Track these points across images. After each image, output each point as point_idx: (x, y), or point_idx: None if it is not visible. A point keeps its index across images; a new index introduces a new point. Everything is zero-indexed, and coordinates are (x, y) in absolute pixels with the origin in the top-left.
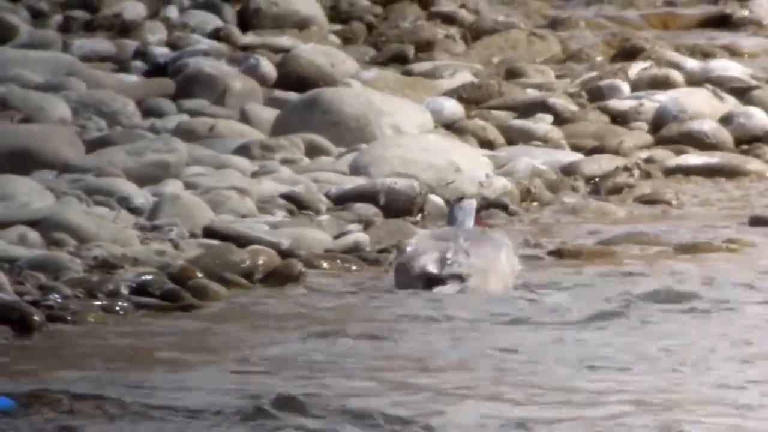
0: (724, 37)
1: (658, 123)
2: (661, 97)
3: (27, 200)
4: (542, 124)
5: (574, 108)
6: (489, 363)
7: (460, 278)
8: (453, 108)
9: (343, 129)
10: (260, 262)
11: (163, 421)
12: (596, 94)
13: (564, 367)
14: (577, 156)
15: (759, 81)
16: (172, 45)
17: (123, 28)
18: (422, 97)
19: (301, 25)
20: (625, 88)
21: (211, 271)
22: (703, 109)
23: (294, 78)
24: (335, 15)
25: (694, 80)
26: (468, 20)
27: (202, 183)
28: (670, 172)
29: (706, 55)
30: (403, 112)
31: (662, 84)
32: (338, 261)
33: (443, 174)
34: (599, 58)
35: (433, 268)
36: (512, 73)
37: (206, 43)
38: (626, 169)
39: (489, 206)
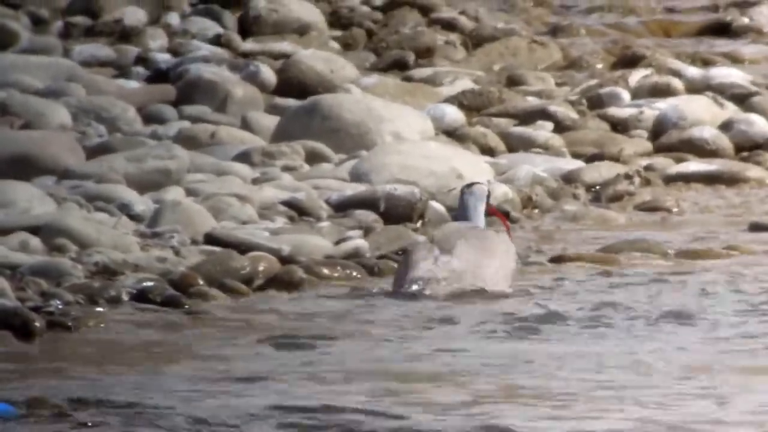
0: (725, 45)
1: (658, 130)
2: (662, 105)
3: (28, 206)
4: (543, 131)
5: (574, 115)
6: (437, 362)
7: (424, 289)
8: (454, 115)
9: (344, 136)
10: (261, 268)
11: (165, 427)
12: (596, 102)
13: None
14: (578, 163)
15: (759, 88)
16: (173, 51)
17: (124, 34)
18: (422, 104)
19: (301, 31)
20: (626, 95)
21: (212, 277)
22: (703, 116)
23: (294, 84)
24: (335, 21)
25: (695, 88)
26: (468, 27)
27: (203, 190)
28: (671, 179)
29: (706, 62)
30: (404, 118)
31: (663, 91)
32: (338, 267)
33: (444, 181)
34: (600, 66)
35: (417, 286)
36: (513, 81)
37: (207, 50)
38: (627, 176)
39: (490, 213)
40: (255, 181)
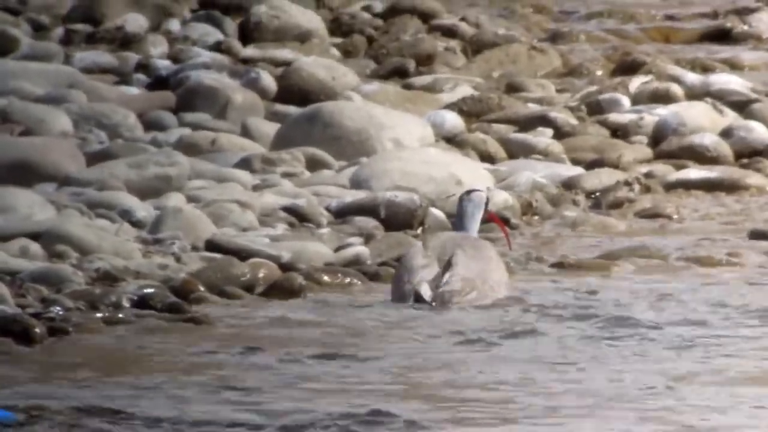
0: (725, 51)
1: (658, 137)
2: (661, 111)
3: (28, 213)
4: (543, 137)
5: (574, 122)
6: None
7: (448, 302)
8: (454, 121)
9: (344, 142)
10: (261, 275)
11: None
12: (596, 108)
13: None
14: (578, 170)
15: (759, 95)
16: (173, 58)
17: (125, 41)
18: (423, 111)
19: (302, 38)
20: (626, 101)
21: (213, 284)
22: (703, 122)
23: (295, 91)
24: (336, 28)
25: (695, 94)
26: (468, 33)
27: (204, 196)
28: (671, 186)
29: (706, 69)
30: (404, 125)
31: (662, 98)
32: (339, 274)
33: (444, 187)
34: (599, 72)
35: (424, 291)
36: (513, 87)
37: (207, 56)
38: (627, 183)
39: (490, 219)
40: (255, 188)
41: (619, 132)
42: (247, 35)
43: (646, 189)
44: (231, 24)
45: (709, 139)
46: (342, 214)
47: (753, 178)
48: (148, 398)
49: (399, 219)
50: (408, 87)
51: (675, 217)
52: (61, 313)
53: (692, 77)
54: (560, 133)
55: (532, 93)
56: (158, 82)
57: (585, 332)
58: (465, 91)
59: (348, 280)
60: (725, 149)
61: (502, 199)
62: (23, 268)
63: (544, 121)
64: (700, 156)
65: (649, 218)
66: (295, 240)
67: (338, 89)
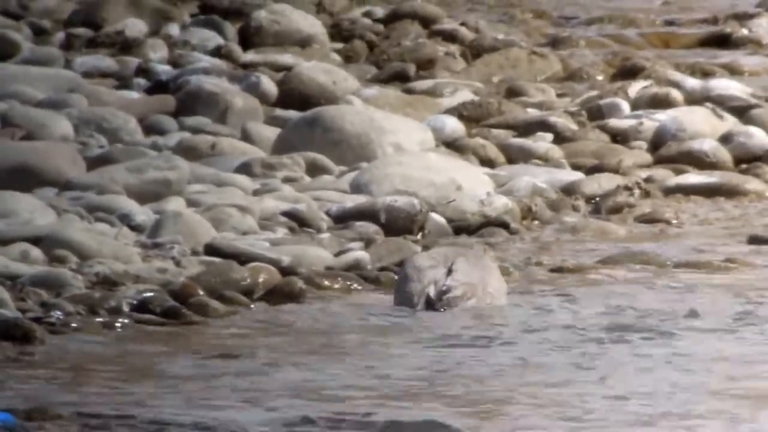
0: (724, 56)
1: (657, 142)
2: (661, 116)
3: (29, 217)
4: (542, 142)
5: (574, 127)
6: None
7: (455, 303)
8: (454, 126)
9: (345, 147)
10: (261, 279)
11: None
12: (596, 113)
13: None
14: (578, 175)
15: (759, 100)
16: (173, 62)
17: (125, 46)
18: (423, 116)
19: (302, 43)
20: (625, 107)
21: (212, 288)
22: (702, 128)
23: (295, 96)
24: (337, 33)
25: (694, 99)
26: (468, 38)
27: (204, 200)
28: (670, 191)
29: (706, 74)
30: (404, 130)
31: (662, 103)
32: (339, 279)
33: (444, 192)
34: (599, 77)
35: (431, 293)
36: (513, 92)
37: (207, 61)
38: (626, 188)
39: (490, 224)
40: (255, 193)
41: (619, 137)
42: (247, 40)
43: (646, 194)
44: (231, 29)
45: (708, 145)
46: (342, 218)
47: (752, 184)
48: (148, 402)
49: (399, 224)
50: (408, 92)
51: (674, 222)
52: (61, 317)
53: (692, 82)
54: (560, 138)
55: (532, 98)
56: (158, 87)
57: (589, 337)
58: (465, 95)
59: (348, 284)
60: (724, 155)
61: (501, 203)
62: (23, 273)
63: (544, 126)
64: (700, 161)
65: (649, 223)
66: (296, 244)
67: (339, 94)
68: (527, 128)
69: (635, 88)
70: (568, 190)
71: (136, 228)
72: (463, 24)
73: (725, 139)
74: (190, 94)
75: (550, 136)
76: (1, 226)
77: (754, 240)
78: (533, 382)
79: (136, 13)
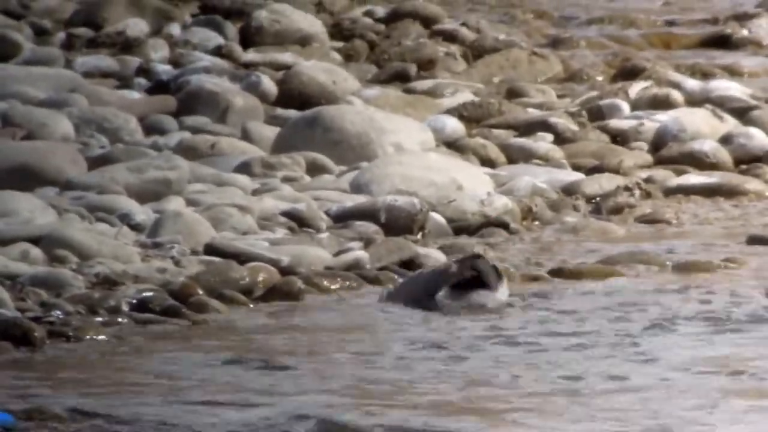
0: (724, 57)
1: (658, 143)
2: (662, 117)
3: (29, 217)
4: (543, 143)
5: (574, 127)
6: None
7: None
8: (454, 126)
9: (345, 147)
10: (260, 279)
11: None
12: (597, 114)
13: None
14: (578, 175)
15: (759, 101)
16: (174, 62)
17: (126, 45)
18: (423, 116)
19: (302, 42)
20: (626, 107)
21: (212, 288)
22: (703, 129)
23: (295, 95)
24: (337, 32)
25: (695, 100)
26: (469, 39)
27: (204, 200)
28: (670, 191)
29: (706, 74)
30: (405, 130)
31: (662, 104)
32: (338, 278)
33: (444, 192)
34: (600, 78)
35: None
36: (513, 93)
37: (208, 60)
38: (627, 188)
39: (490, 224)
40: (255, 192)
41: (619, 138)
42: (247, 39)
43: (646, 194)
44: (232, 28)
45: (708, 146)
46: (342, 218)
47: (752, 184)
48: (147, 402)
49: (399, 224)
50: (409, 91)
51: (674, 222)
52: (60, 317)
53: (692, 83)
54: (561, 139)
55: (532, 98)
56: (159, 87)
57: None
58: (465, 96)
59: (347, 284)
60: (725, 155)
61: (502, 204)
62: (23, 272)
63: (544, 126)
64: (700, 162)
65: (649, 224)
66: (295, 244)
67: (339, 93)
68: (528, 128)
69: (635, 88)
70: (569, 190)
71: (136, 228)
72: (464, 24)
73: (725, 140)
74: (190, 93)
75: (550, 137)
76: (1, 225)
77: (754, 240)
78: None
79: (137, 13)
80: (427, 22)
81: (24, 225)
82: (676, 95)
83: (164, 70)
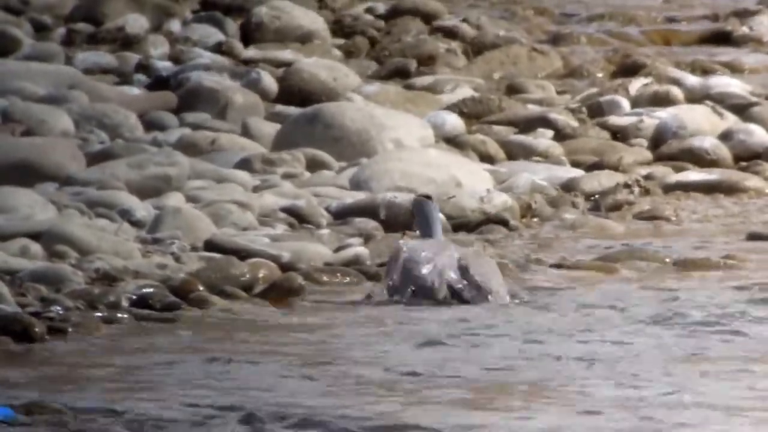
0: (725, 54)
1: (658, 139)
2: (661, 114)
3: (29, 212)
4: (543, 139)
5: (574, 124)
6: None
7: (484, 293)
8: (454, 122)
9: (345, 143)
10: (260, 275)
11: None
12: (596, 110)
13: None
14: (578, 172)
15: (759, 98)
16: (174, 58)
17: (126, 42)
18: (423, 112)
19: (303, 38)
20: (626, 104)
21: (212, 284)
22: (703, 125)
23: (296, 92)
24: (338, 29)
25: (695, 97)
26: (470, 35)
27: (204, 196)
28: (670, 188)
29: (706, 71)
30: (405, 126)
31: (662, 100)
32: (338, 274)
33: (444, 188)
34: (600, 74)
35: (455, 283)
36: (513, 89)
37: (208, 57)
38: (626, 185)
39: (489, 221)
40: (255, 189)
41: (619, 134)
42: (248, 36)
43: (646, 191)
44: (232, 25)
45: (708, 142)
46: (342, 214)
47: (752, 181)
48: (147, 398)
49: (399, 220)
50: (409, 88)
51: (673, 219)
52: (60, 312)
53: (692, 80)
54: (560, 135)
55: (532, 94)
56: (159, 83)
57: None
58: (465, 92)
59: (347, 280)
60: (724, 152)
61: (501, 200)
62: (23, 268)
63: (544, 122)
64: (700, 159)
65: (648, 220)
66: (295, 240)
67: (339, 90)
68: (527, 125)
69: (635, 85)
70: (568, 187)
71: (136, 223)
72: (464, 20)
73: (725, 136)
74: (190, 90)
75: (550, 133)
76: (1, 221)
77: (754, 237)
78: None
79: (137, 9)
80: (427, 18)
81: (24, 220)
82: (677, 92)
83: (164, 66)
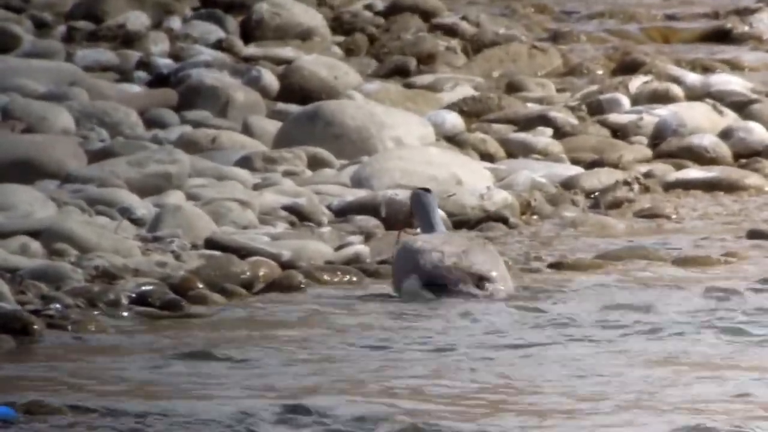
0: (725, 52)
1: (657, 137)
2: (661, 111)
3: (29, 210)
4: (542, 137)
5: (574, 121)
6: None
7: (486, 280)
8: (454, 121)
9: (345, 141)
10: (261, 273)
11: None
12: (596, 108)
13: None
14: (577, 170)
15: (759, 95)
16: (175, 56)
17: (126, 39)
18: (424, 110)
19: (303, 36)
20: (626, 101)
21: (212, 281)
22: (702, 123)
23: (296, 89)
24: (338, 26)
25: (695, 94)
26: (469, 32)
27: (204, 194)
28: (670, 186)
29: (706, 69)
30: (405, 124)
31: (662, 98)
32: (338, 272)
33: (444, 186)
34: (600, 72)
35: (458, 273)
36: (513, 87)
37: (209, 54)
38: (626, 183)
39: (489, 219)
40: (256, 187)
41: (619, 132)
42: (248, 33)
43: (645, 189)
44: (232, 22)
45: (708, 140)
46: (343, 212)
47: (751, 179)
48: (146, 396)
49: (399, 218)
50: (409, 86)
51: (674, 217)
52: (60, 310)
53: (692, 77)
54: (560, 133)
55: (532, 92)
56: (159, 80)
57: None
58: (465, 90)
59: (348, 278)
60: (724, 150)
61: (501, 198)
62: (23, 266)
63: (544, 120)
64: (700, 156)
65: (648, 218)
66: (296, 238)
67: (340, 88)
68: (527, 123)
69: (635, 83)
70: (568, 184)
71: (136, 221)
72: (463, 18)
73: (725, 134)
74: (191, 87)
75: (550, 131)
76: (1, 218)
77: (754, 234)
78: None
79: (138, 6)
80: (426, 15)
81: (24, 218)
82: (676, 89)
83: (165, 63)
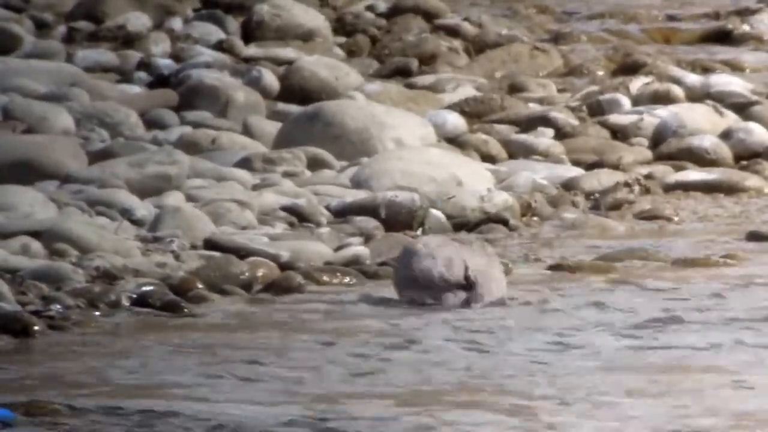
0: (726, 52)
1: (658, 138)
2: (662, 113)
3: (29, 211)
4: (543, 138)
5: (574, 122)
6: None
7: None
8: (455, 122)
9: (346, 142)
10: (260, 274)
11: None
12: (597, 109)
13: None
14: (578, 171)
15: (759, 96)
16: (175, 56)
17: (127, 40)
18: (425, 111)
19: (304, 37)
20: (626, 102)
21: (212, 282)
22: (703, 124)
23: (297, 90)
24: (339, 27)
25: (695, 95)
26: (471, 33)
27: (204, 195)
28: (670, 188)
29: (707, 70)
30: (406, 125)
31: (663, 99)
32: (338, 274)
33: (445, 188)
34: (600, 73)
35: (450, 276)
36: (514, 88)
37: (209, 55)
38: (626, 184)
39: (489, 221)
40: (255, 187)
41: (619, 133)
42: (249, 34)
43: (646, 190)
44: (233, 23)
45: (708, 141)
46: (342, 213)
47: (752, 180)
48: (146, 396)
49: (399, 219)
50: (410, 86)
51: (674, 218)
52: (61, 310)
53: (693, 78)
54: (561, 134)
55: (533, 93)
56: (160, 81)
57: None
58: (467, 91)
59: (347, 279)
60: (725, 151)
61: (501, 199)
62: (24, 266)
63: (545, 121)
64: (700, 158)
65: (648, 220)
66: (295, 239)
67: (341, 89)
68: (528, 124)
69: (636, 84)
70: (568, 186)
71: (136, 222)
72: (465, 19)
73: (725, 135)
74: (191, 88)
75: (551, 132)
76: (1, 219)
77: (754, 236)
78: None
79: (138, 7)
80: (428, 16)
81: (24, 219)
82: (677, 90)
83: (165, 64)
